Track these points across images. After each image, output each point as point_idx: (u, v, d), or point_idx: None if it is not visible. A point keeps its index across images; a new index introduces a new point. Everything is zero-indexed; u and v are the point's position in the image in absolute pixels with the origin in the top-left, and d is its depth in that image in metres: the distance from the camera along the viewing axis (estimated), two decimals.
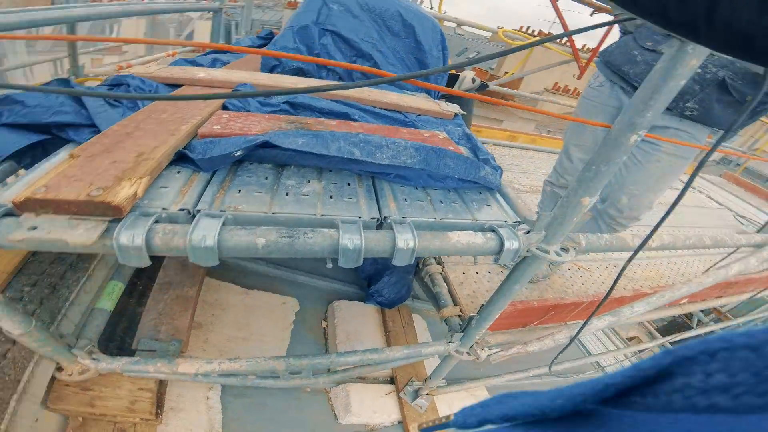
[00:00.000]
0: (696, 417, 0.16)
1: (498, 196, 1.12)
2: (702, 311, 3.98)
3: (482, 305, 1.30)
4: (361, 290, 2.53)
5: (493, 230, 0.95)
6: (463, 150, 1.28)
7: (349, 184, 0.98)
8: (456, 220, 0.96)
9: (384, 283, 2.33)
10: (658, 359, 0.18)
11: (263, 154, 0.96)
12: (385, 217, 0.89)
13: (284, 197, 0.89)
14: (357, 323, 2.29)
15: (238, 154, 0.88)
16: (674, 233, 1.18)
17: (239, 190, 0.89)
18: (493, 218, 1.01)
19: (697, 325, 3.72)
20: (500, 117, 4.49)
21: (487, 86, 2.40)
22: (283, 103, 1.18)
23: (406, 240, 0.81)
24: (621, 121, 0.75)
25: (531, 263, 1.03)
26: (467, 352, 1.47)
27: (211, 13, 2.36)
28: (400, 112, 1.43)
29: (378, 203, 0.94)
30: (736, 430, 0.15)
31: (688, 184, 0.91)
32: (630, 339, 7.21)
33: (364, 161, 0.91)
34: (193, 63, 1.49)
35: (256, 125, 1.01)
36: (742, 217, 3.61)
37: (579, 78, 2.05)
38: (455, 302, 1.65)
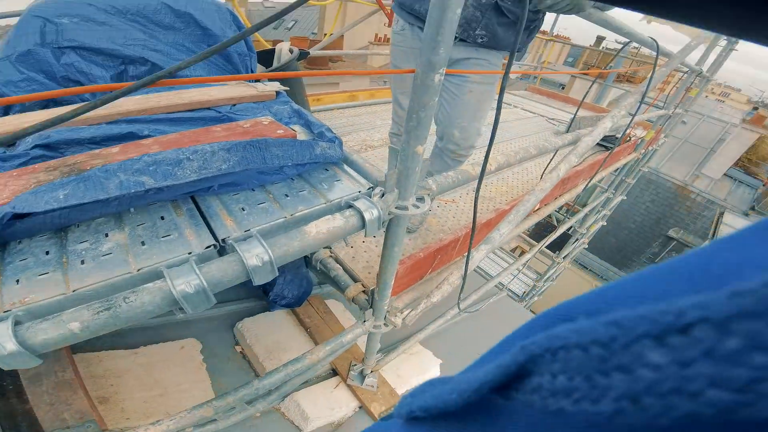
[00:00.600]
0: (550, 420, 0.16)
1: (345, 167, 1.07)
2: (556, 211, 4.72)
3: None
4: (261, 300, 2.35)
5: (350, 205, 0.89)
6: (297, 129, 1.19)
7: (162, 218, 0.80)
8: (309, 209, 0.88)
9: (281, 285, 2.19)
10: (516, 355, 0.17)
11: (28, 226, 0.73)
12: (223, 240, 0.76)
13: (80, 267, 0.69)
14: (273, 334, 2.15)
15: None
16: (506, 150, 1.29)
17: (17, 281, 0.67)
18: (347, 192, 0.96)
19: (558, 223, 4.41)
20: (335, 80, 4.44)
21: (308, 53, 2.28)
22: (33, 149, 0.90)
23: (257, 255, 0.70)
24: (421, 64, 0.73)
25: (398, 223, 1.02)
26: (384, 324, 1.47)
27: None
28: (210, 109, 1.24)
29: (209, 226, 0.80)
30: None
31: (497, 116, 0.97)
32: (513, 250, 8.36)
33: (166, 186, 0.75)
34: None
35: (2, 190, 0.75)
36: (553, 119, 4.32)
37: (388, 26, 2.07)
38: (355, 279, 1.62)
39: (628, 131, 2.48)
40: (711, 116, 13.05)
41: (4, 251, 0.75)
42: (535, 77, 7.26)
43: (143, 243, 0.75)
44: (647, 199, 11.50)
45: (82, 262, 0.71)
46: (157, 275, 0.69)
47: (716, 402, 0.11)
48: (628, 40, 1.84)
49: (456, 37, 1.40)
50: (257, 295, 2.43)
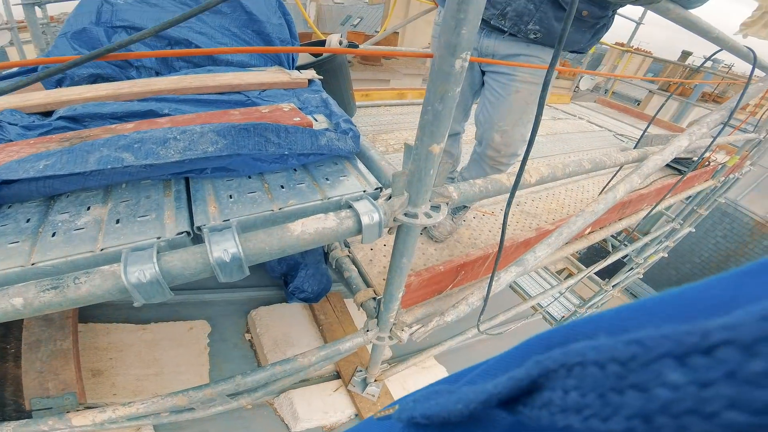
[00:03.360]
0: None
1: (358, 163, 0.97)
2: (613, 236, 4.31)
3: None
4: (281, 291, 2.32)
5: (350, 206, 0.79)
6: (320, 118, 1.10)
7: (148, 197, 0.75)
8: (302, 204, 0.79)
9: (302, 278, 2.15)
10: (529, 369, 0.18)
11: (15, 192, 0.71)
12: (198, 227, 0.69)
13: (50, 240, 0.65)
14: (284, 327, 2.11)
15: None
16: (553, 163, 1.11)
17: None
18: (351, 191, 0.86)
19: (613, 249, 4.01)
20: (386, 77, 4.35)
21: (356, 46, 2.22)
22: (58, 119, 0.90)
23: (226, 249, 0.62)
24: (439, 47, 0.61)
25: (408, 232, 0.90)
26: (389, 337, 1.36)
27: None
28: (239, 93, 1.20)
29: (191, 211, 0.73)
30: None
31: (540, 107, 0.82)
32: (559, 272, 7.78)
33: (148, 165, 0.69)
34: None
35: (13, 156, 0.74)
36: (621, 135, 3.91)
37: None
38: (368, 284, 1.52)
39: (708, 154, 2.14)
40: None
41: None
42: (606, 90, 6.73)
43: (118, 221, 0.70)
44: (718, 234, 10.23)
45: (54, 235, 0.67)
46: (118, 258, 0.63)
47: (731, 424, 0.11)
48: (716, 49, 1.55)
49: (505, 31, 1.25)
50: (278, 285, 2.40)
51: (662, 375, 0.13)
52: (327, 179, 0.87)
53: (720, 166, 3.26)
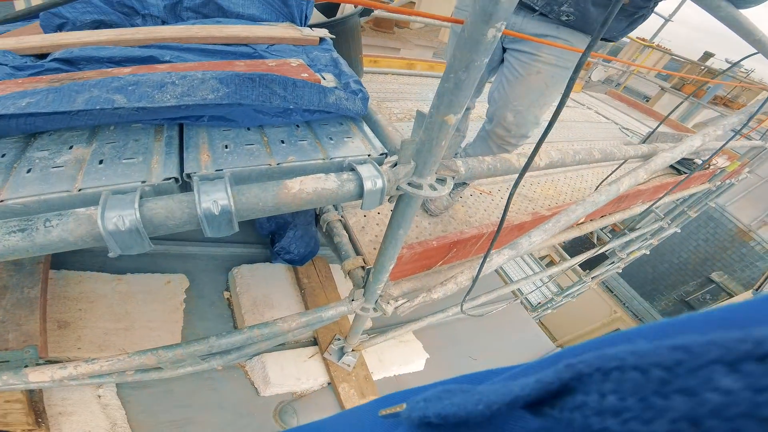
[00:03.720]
0: None
1: (364, 125, 0.91)
2: (600, 228, 4.38)
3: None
4: (266, 249, 2.28)
5: (352, 168, 0.74)
6: (328, 77, 1.03)
7: (137, 140, 0.68)
8: (301, 162, 0.73)
9: (290, 238, 2.10)
10: (560, 372, 0.18)
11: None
12: (188, 174, 0.63)
13: (24, 176, 0.59)
14: (265, 287, 2.08)
15: None
16: (563, 149, 1.07)
17: None
18: (354, 153, 0.81)
19: (598, 241, 4.04)
20: (397, 45, 4.19)
21: (372, 11, 2.11)
22: (52, 61, 0.82)
23: (215, 200, 0.57)
24: (473, 14, 0.54)
25: (409, 203, 0.86)
26: (373, 308, 1.34)
27: None
28: (246, 45, 1.12)
29: (182, 158, 0.67)
30: None
31: (568, 89, 0.76)
32: (542, 258, 7.92)
33: (141, 108, 0.63)
34: None
35: None
36: (627, 129, 3.92)
37: None
38: (358, 252, 1.49)
39: (712, 157, 2.13)
40: None
41: None
42: (618, 83, 6.68)
43: (101, 162, 0.64)
44: (701, 237, 10.47)
45: (29, 171, 0.61)
46: (96, 200, 0.57)
47: None
48: (752, 51, 1.47)
49: (536, 10, 1.19)
50: (264, 243, 2.36)
51: (713, 380, 0.13)
52: (330, 139, 0.81)
53: (719, 171, 3.27)
